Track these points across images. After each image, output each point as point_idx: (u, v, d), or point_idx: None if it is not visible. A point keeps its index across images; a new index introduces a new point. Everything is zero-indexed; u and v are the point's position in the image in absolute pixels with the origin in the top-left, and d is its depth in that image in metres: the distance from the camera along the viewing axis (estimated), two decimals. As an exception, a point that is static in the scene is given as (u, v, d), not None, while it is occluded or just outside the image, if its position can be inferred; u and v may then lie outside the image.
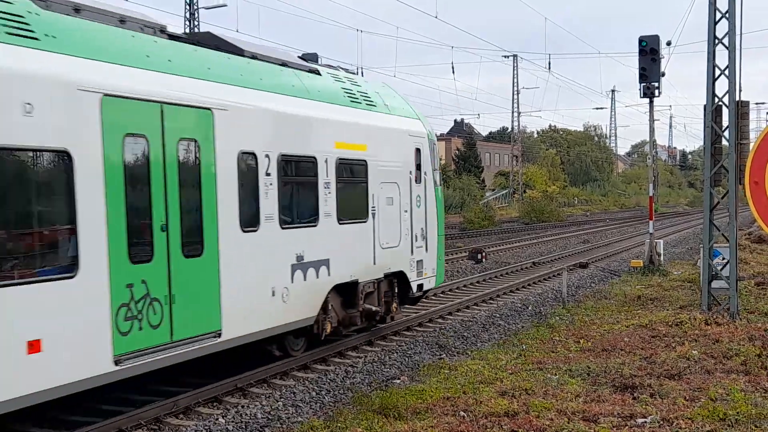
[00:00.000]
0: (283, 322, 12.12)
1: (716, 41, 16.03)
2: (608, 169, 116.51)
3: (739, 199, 15.90)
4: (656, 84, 24.85)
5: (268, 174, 11.70)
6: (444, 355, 14.05)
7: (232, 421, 10.18)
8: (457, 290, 22.16)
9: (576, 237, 43.32)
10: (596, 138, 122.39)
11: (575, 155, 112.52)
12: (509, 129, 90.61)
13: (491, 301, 20.24)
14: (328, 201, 13.03)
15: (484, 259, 28.89)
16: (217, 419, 10.26)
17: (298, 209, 12.61)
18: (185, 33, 15.62)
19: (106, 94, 9.06)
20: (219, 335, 10.73)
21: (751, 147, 14.70)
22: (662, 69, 24.77)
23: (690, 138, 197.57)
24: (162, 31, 10.82)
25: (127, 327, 9.29)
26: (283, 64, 13.12)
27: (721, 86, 16.02)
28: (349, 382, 12.15)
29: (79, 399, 9.75)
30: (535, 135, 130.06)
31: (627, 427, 9.04)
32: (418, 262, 15.90)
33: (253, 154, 11.48)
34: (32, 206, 8.52)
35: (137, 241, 9.52)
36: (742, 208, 20.11)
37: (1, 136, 7.98)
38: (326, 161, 13.01)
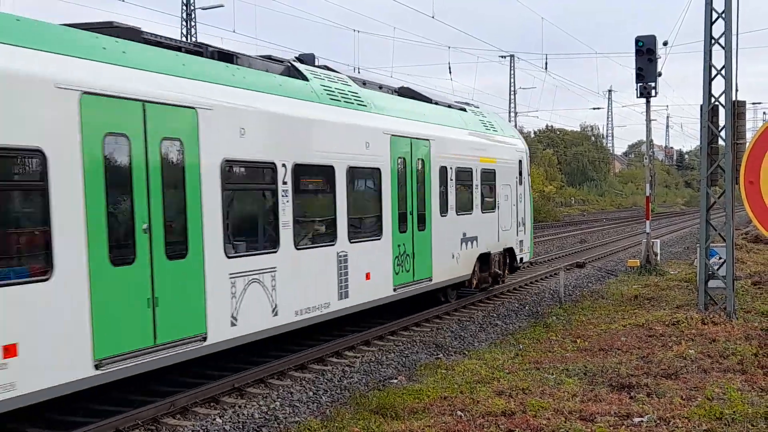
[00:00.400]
0: (458, 275, 18.31)
1: (712, 41, 16.06)
2: (605, 169, 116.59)
3: (735, 199, 15.93)
4: (653, 84, 24.90)
5: (451, 179, 17.85)
6: (441, 354, 14.06)
7: (230, 421, 10.19)
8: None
9: (573, 237, 43.35)
10: (593, 138, 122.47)
11: (572, 155, 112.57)
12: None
13: (488, 301, 20.24)
14: (477, 197, 19.15)
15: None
16: (214, 419, 10.26)
17: (463, 203, 18.52)
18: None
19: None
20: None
21: (746, 147, 14.72)
22: (659, 69, 24.81)
23: (687, 138, 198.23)
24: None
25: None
26: (449, 105, 19.61)
27: (718, 86, 16.07)
28: (347, 382, 12.16)
29: (76, 399, 9.75)
30: (532, 135, 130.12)
31: (624, 427, 9.05)
32: (520, 241, 22.13)
33: (445, 168, 17.54)
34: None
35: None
36: (738, 207, 20.16)
37: None
38: (477, 171, 19.13)
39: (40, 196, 8.51)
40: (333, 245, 13.55)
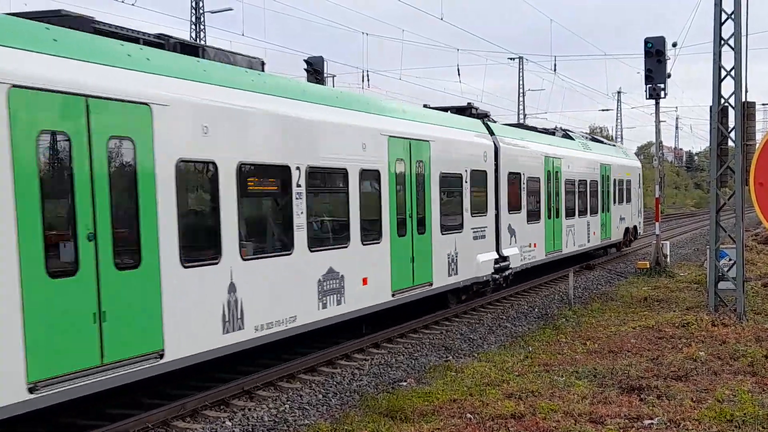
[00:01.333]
0: (614, 240, 31.25)
1: (722, 42, 16.02)
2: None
3: (745, 200, 15.87)
4: (662, 85, 24.84)
5: (619, 187, 31.96)
6: (450, 357, 14.05)
7: (239, 424, 10.20)
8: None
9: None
10: (602, 139, 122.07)
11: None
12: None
13: (497, 304, 20.22)
14: (628, 194, 33.29)
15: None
16: (224, 422, 10.27)
17: (625, 198, 32.89)
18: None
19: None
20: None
21: (756, 148, 14.67)
22: (668, 70, 24.75)
23: (696, 139, 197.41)
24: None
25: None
26: (593, 139, 32.38)
27: (727, 87, 16.04)
28: (356, 385, 12.16)
29: (87, 402, 9.78)
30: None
31: (634, 429, 9.04)
32: (639, 221, 36.25)
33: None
34: None
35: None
36: (748, 209, 20.08)
37: None
38: (628, 180, 33.31)
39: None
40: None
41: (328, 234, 13.50)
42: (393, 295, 15.03)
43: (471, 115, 20.12)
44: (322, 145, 12.93)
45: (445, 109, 19.48)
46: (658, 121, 27.85)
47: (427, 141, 16.31)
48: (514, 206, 20.98)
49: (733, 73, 15.86)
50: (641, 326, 15.58)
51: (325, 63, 29.19)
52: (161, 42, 10.98)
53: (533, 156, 22.66)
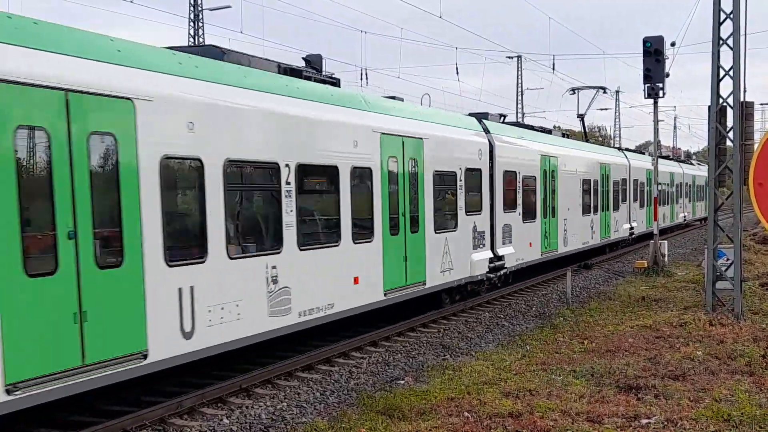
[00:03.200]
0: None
1: (721, 42, 16.02)
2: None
3: (743, 200, 15.88)
4: (660, 85, 24.85)
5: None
6: (448, 355, 14.05)
7: (237, 422, 10.20)
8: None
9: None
10: (600, 138, 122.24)
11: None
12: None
13: (495, 302, 20.23)
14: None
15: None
16: (221, 420, 10.27)
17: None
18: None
19: None
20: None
21: (755, 148, 14.68)
22: (667, 70, 24.78)
23: (694, 139, 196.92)
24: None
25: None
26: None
27: (726, 87, 16.03)
28: (354, 383, 12.16)
29: (85, 399, 9.77)
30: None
31: (631, 428, 9.04)
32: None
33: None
34: None
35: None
36: (746, 209, 20.07)
37: None
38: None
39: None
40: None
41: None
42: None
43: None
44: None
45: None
46: (656, 121, 27.85)
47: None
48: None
49: (731, 72, 15.85)
50: (639, 326, 15.59)
51: (323, 61, 29.20)
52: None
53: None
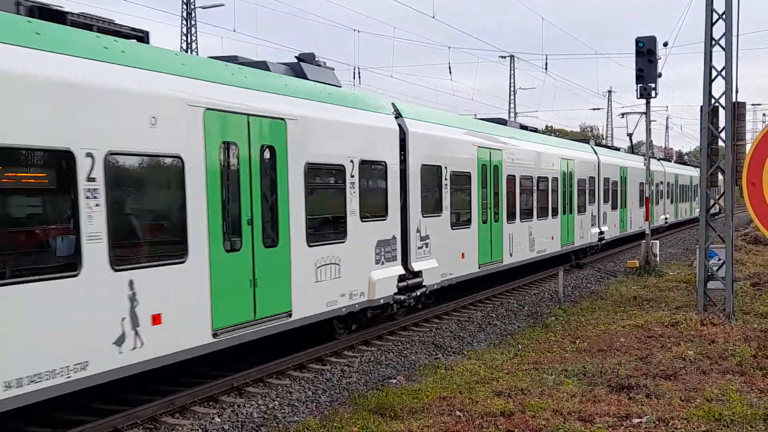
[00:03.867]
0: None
1: (713, 42, 16.06)
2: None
3: (735, 201, 15.92)
4: (653, 85, 24.91)
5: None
6: (440, 354, 14.06)
7: (228, 421, 10.18)
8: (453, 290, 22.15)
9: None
10: (593, 138, 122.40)
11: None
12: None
13: (487, 302, 20.25)
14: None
15: None
16: (213, 418, 10.25)
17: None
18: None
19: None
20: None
21: (747, 148, 14.72)
22: (659, 70, 24.83)
23: (686, 139, 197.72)
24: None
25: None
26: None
27: (718, 87, 16.07)
28: (346, 382, 12.15)
29: (75, 397, 9.74)
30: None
31: (623, 427, 9.05)
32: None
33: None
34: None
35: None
36: (737, 209, 20.12)
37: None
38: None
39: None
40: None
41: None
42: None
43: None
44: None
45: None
46: (648, 121, 27.94)
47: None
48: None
49: (723, 73, 15.89)
50: (630, 325, 15.62)
51: (316, 59, 29.19)
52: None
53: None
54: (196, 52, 54.01)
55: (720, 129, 16.16)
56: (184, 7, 53.70)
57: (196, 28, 54.10)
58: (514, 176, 21.86)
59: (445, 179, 17.73)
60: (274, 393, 11.50)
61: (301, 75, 13.91)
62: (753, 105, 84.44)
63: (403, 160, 16.04)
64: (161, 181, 10.42)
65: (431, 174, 17.16)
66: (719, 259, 16.40)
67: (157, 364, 9.99)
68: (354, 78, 66.02)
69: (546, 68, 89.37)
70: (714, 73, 16.12)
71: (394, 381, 12.05)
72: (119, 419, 9.76)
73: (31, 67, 8.44)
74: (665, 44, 25.28)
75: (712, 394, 10.26)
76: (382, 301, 15.22)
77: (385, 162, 15.31)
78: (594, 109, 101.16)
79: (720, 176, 16.68)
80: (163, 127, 10.03)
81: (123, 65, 9.63)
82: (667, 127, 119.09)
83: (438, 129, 17.85)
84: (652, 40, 24.36)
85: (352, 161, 14.19)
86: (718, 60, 16.00)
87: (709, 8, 16.05)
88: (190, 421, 10.17)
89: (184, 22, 53.78)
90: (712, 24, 16.05)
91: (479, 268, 19.59)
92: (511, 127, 23.73)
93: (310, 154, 12.99)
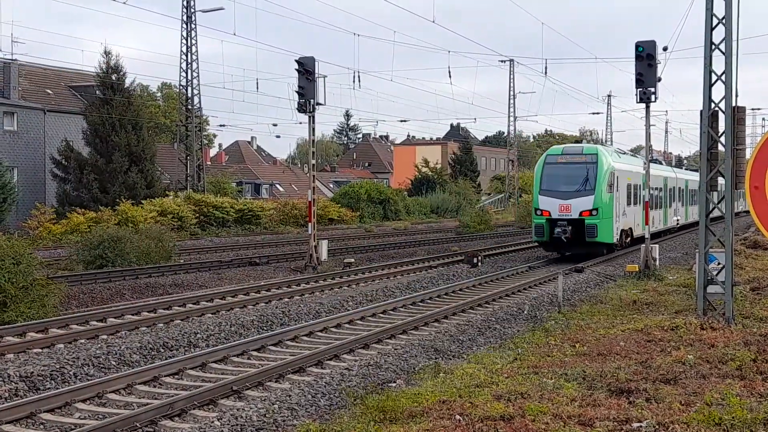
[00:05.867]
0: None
1: (713, 47, 16.07)
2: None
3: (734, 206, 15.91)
4: (652, 89, 24.93)
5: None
6: (440, 358, 14.04)
7: (228, 424, 10.15)
8: (452, 294, 22.16)
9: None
10: (592, 142, 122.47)
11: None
12: (505, 133, 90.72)
13: (487, 305, 20.23)
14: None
15: (479, 263, 28.97)
16: (212, 422, 10.23)
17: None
18: None
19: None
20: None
21: (750, 152, 14.72)
22: (659, 74, 24.85)
23: (686, 143, 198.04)
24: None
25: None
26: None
27: (718, 92, 16.07)
28: (345, 385, 12.13)
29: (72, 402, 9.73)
30: (531, 139, 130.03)
31: (623, 432, 9.04)
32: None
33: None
34: None
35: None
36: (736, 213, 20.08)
37: None
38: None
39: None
40: None
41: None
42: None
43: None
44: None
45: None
46: (648, 125, 27.94)
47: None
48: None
49: (723, 77, 15.90)
50: (630, 329, 15.60)
51: (316, 63, 29.22)
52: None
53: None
54: (196, 56, 54.14)
55: (720, 133, 16.16)
56: (185, 10, 53.77)
57: (196, 32, 54.20)
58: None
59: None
60: (273, 396, 11.48)
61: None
62: (753, 109, 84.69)
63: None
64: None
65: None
66: (719, 264, 16.39)
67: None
68: (353, 82, 65.97)
69: (546, 72, 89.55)
70: (714, 78, 16.13)
71: (394, 385, 12.04)
72: (118, 423, 9.75)
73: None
74: (665, 48, 25.32)
75: (712, 398, 10.24)
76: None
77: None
78: (593, 114, 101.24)
79: (720, 180, 16.69)
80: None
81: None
82: (666, 131, 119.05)
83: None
84: (652, 44, 24.40)
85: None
86: (718, 64, 16.02)
87: (709, 13, 16.06)
88: (190, 425, 10.16)
89: (184, 25, 53.85)
90: (712, 28, 16.06)
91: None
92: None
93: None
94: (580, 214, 29.28)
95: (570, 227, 29.31)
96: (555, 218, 29.66)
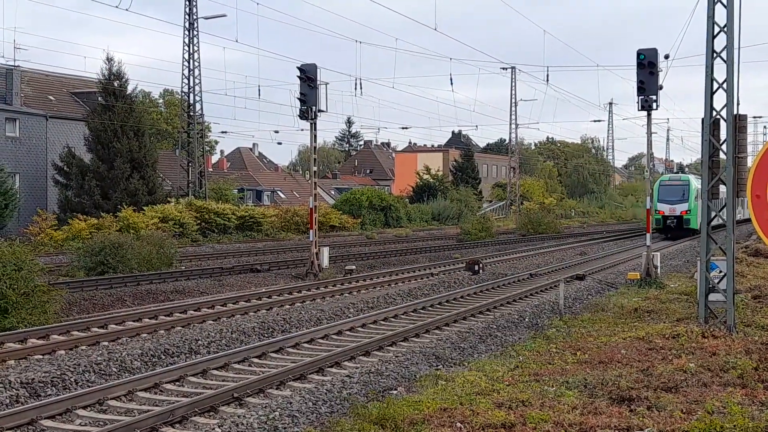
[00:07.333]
0: None
1: (714, 55, 16.09)
2: (605, 181, 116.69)
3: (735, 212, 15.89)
4: (654, 97, 24.93)
5: None
6: (441, 366, 14.03)
7: (229, 431, 10.15)
8: (453, 301, 22.15)
9: (573, 249, 43.31)
10: (593, 150, 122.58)
11: (572, 167, 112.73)
12: (507, 141, 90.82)
13: (488, 313, 20.22)
14: None
15: (481, 271, 28.96)
16: (213, 429, 10.22)
17: None
18: None
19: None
20: None
21: (751, 160, 14.71)
22: (660, 82, 24.86)
23: (687, 151, 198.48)
24: None
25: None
26: None
27: (720, 100, 16.09)
28: (346, 393, 12.12)
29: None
30: (533, 147, 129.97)
31: (624, 440, 9.03)
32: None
33: None
34: None
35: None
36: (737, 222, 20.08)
37: None
38: None
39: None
40: None
41: None
42: None
43: None
44: None
45: None
46: (649, 133, 27.93)
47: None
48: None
49: (725, 85, 15.92)
50: (631, 337, 15.59)
51: (318, 70, 29.28)
52: None
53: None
54: (198, 63, 54.24)
55: (721, 141, 16.18)
56: (187, 17, 53.91)
57: (198, 39, 54.33)
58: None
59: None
60: (274, 404, 11.46)
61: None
62: (754, 117, 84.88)
63: None
64: None
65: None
66: (720, 272, 16.39)
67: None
68: (355, 89, 66.13)
69: (547, 80, 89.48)
70: (715, 86, 16.15)
71: (395, 392, 12.03)
72: (119, 430, 9.74)
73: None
74: (666, 56, 25.35)
75: (713, 406, 10.24)
76: None
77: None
78: (595, 121, 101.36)
79: (722, 188, 16.69)
80: None
81: None
82: (668, 139, 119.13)
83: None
84: (654, 52, 24.41)
85: None
86: (720, 72, 16.04)
87: (711, 21, 16.09)
88: (190, 432, 10.15)
89: (186, 32, 53.98)
90: (714, 37, 16.09)
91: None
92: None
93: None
94: (680, 213, 50.02)
95: (675, 221, 50.10)
96: (667, 215, 50.22)
